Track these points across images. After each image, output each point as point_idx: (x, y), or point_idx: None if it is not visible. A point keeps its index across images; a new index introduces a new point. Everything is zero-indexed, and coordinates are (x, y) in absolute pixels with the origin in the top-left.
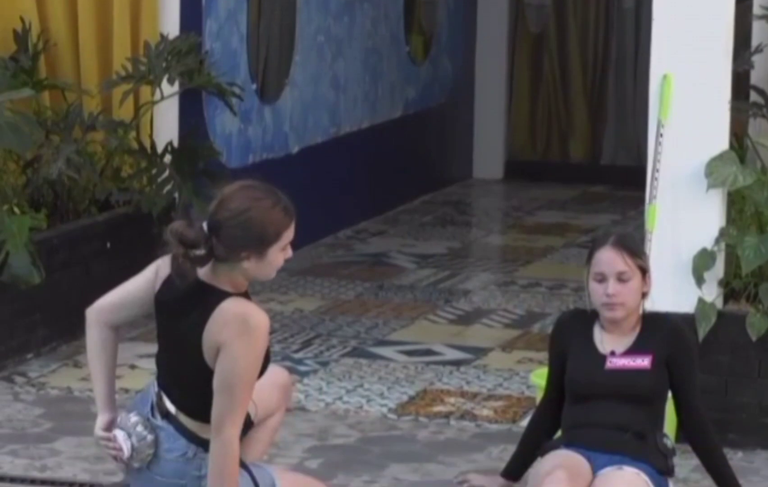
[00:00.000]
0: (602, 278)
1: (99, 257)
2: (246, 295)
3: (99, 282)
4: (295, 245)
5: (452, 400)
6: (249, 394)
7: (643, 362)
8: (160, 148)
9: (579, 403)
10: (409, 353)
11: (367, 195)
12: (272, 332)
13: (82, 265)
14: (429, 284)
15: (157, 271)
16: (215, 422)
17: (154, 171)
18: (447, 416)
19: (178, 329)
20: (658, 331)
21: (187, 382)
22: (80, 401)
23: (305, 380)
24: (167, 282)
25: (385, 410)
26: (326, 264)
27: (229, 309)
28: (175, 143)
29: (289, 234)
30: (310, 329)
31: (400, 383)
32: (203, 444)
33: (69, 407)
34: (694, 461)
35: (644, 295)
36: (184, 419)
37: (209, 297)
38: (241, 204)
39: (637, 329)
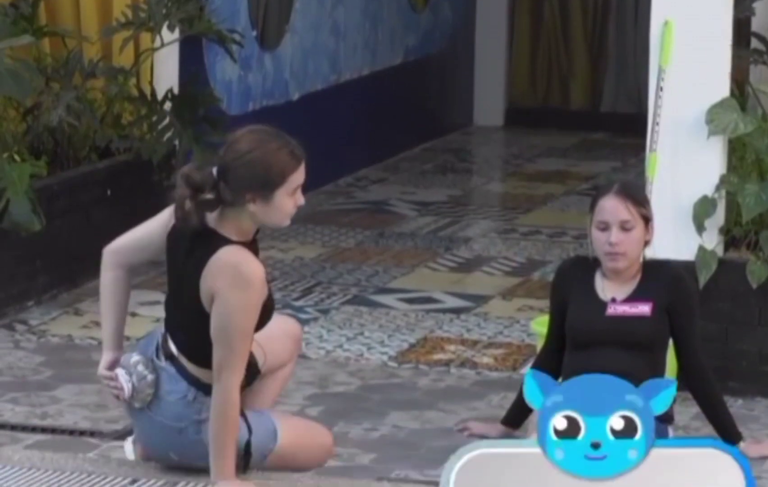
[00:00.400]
0: (605, 227)
1: (99, 204)
2: (253, 244)
3: (99, 229)
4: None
5: (452, 348)
6: (246, 344)
7: (644, 308)
8: (160, 95)
9: (579, 350)
10: (410, 301)
11: (367, 142)
12: (272, 280)
13: (82, 212)
14: (429, 231)
15: (171, 214)
16: (215, 370)
17: (154, 118)
18: (447, 363)
19: (181, 272)
20: (658, 278)
21: (188, 325)
22: (81, 349)
23: (306, 328)
24: (176, 225)
25: (385, 357)
26: (326, 212)
27: (224, 257)
28: (176, 90)
29: (297, 178)
30: (311, 277)
31: (400, 330)
32: (204, 388)
33: (70, 355)
34: (695, 408)
35: (646, 243)
36: (185, 361)
37: (211, 242)
38: (246, 146)
39: (638, 277)
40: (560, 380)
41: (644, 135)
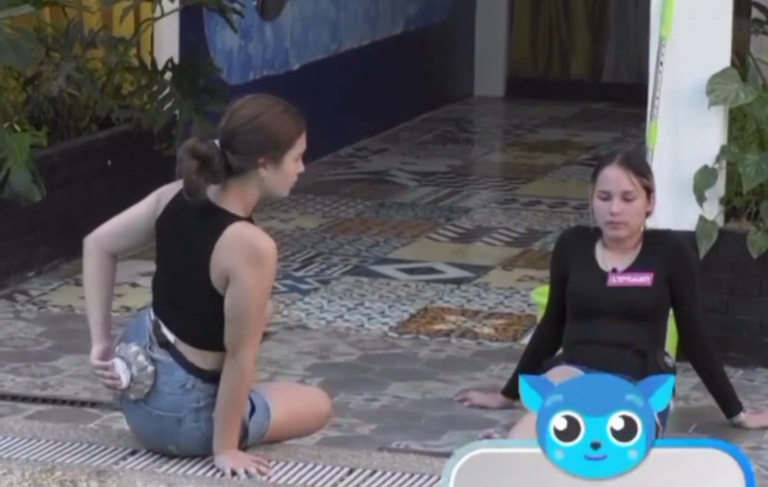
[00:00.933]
0: (607, 196)
1: (99, 174)
2: (251, 219)
3: (99, 200)
4: None
5: (453, 318)
6: (261, 319)
7: (645, 279)
8: (160, 65)
9: (580, 320)
10: (410, 271)
11: (367, 112)
12: None
13: (82, 182)
14: (430, 201)
15: (158, 198)
16: (231, 348)
17: (154, 88)
18: (448, 334)
19: (182, 252)
20: (659, 248)
21: (191, 308)
22: (82, 319)
23: (306, 299)
24: (171, 206)
25: (385, 328)
26: (327, 182)
27: (237, 234)
28: (176, 60)
29: (302, 143)
30: (311, 247)
31: (400, 301)
32: (202, 375)
33: (70, 325)
34: (695, 379)
35: (647, 214)
36: (183, 347)
37: (218, 219)
38: (252, 110)
39: (639, 247)
40: (560, 349)
41: (645, 105)
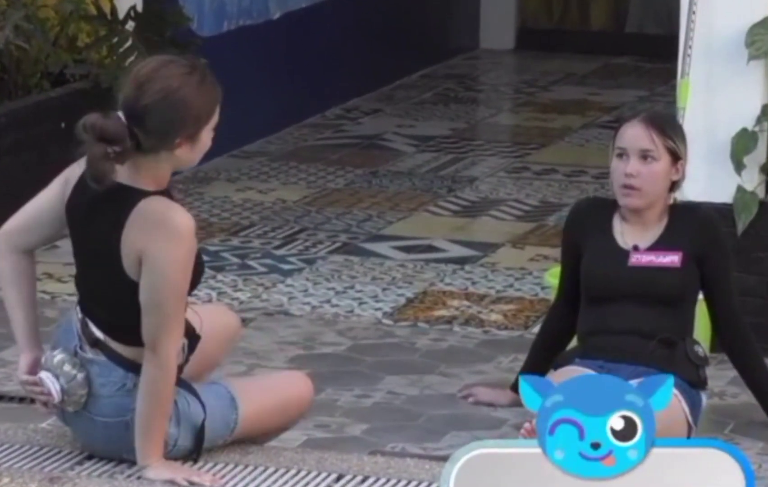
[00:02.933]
0: (623, 154)
1: (53, 138)
2: (168, 192)
3: (53, 167)
4: (277, 125)
5: (456, 303)
6: (182, 305)
7: (673, 258)
8: (121, 14)
9: (596, 305)
10: (407, 250)
11: (358, 68)
12: (251, 226)
13: (33, 148)
14: (430, 170)
15: (66, 180)
16: (149, 341)
17: (114, 40)
18: (450, 321)
19: (93, 239)
20: (687, 224)
21: (111, 301)
22: None
23: (288, 281)
24: (77, 188)
25: (379, 314)
26: (312, 147)
27: (148, 209)
28: (139, 8)
29: (217, 111)
30: (294, 222)
31: (396, 283)
32: (138, 370)
33: None
34: (731, 372)
35: (673, 185)
36: (115, 345)
37: (125, 198)
38: (168, 83)
39: (664, 221)
40: (576, 338)
41: (675, 60)
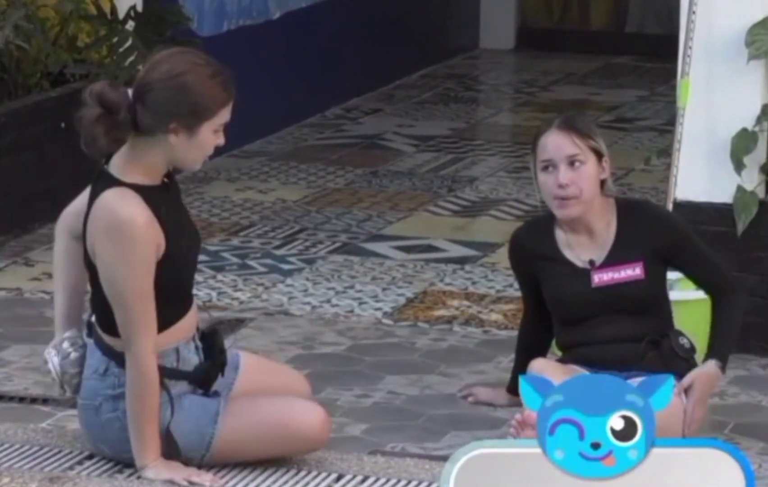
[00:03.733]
0: (551, 166)
1: (53, 138)
2: (167, 186)
3: (52, 167)
4: (277, 125)
5: (456, 303)
6: (143, 301)
7: (633, 271)
8: (121, 14)
9: (572, 325)
10: (407, 250)
11: (359, 68)
12: (251, 225)
13: (33, 147)
14: (429, 169)
15: None
16: (124, 339)
17: (114, 40)
18: (450, 321)
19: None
20: (638, 225)
21: (93, 287)
22: (32, 304)
23: (288, 281)
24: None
25: (379, 314)
26: (312, 147)
27: (101, 203)
28: (139, 8)
29: (225, 114)
30: (294, 222)
31: (396, 283)
32: (117, 358)
33: (19, 311)
34: (731, 372)
35: (603, 183)
36: (99, 330)
37: (99, 185)
38: (176, 66)
39: (612, 227)
40: (557, 351)
41: (675, 59)
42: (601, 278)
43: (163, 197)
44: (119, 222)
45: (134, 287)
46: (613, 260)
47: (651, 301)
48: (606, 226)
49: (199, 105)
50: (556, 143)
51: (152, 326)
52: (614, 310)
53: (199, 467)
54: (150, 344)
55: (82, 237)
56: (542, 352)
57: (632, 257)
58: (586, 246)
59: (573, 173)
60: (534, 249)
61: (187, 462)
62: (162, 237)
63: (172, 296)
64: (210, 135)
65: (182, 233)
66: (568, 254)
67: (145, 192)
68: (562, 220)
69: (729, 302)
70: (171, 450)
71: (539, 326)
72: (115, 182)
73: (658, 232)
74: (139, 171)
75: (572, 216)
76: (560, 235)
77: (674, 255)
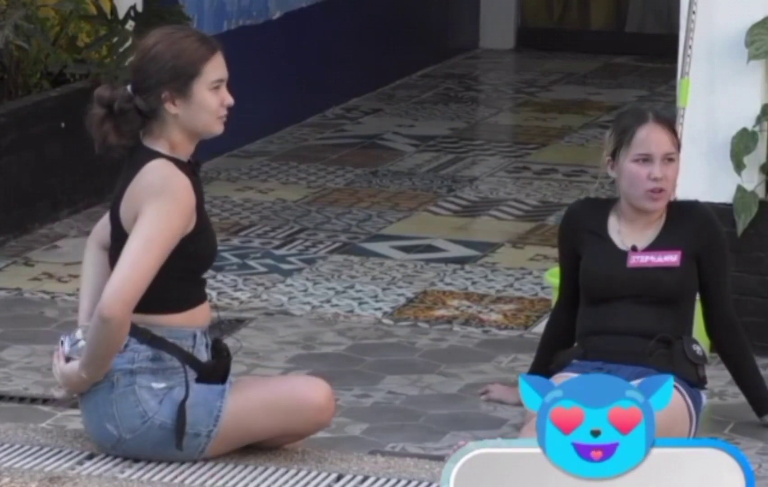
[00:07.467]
0: (648, 159)
1: (53, 138)
2: (193, 169)
3: (52, 167)
4: (277, 125)
5: (456, 303)
6: (150, 256)
7: (672, 257)
8: (121, 14)
9: (596, 306)
10: (407, 249)
11: (359, 68)
12: (251, 225)
13: (33, 147)
14: (430, 169)
15: None
16: (113, 281)
17: (114, 39)
18: (450, 321)
19: (114, 198)
20: (686, 221)
21: (114, 264)
22: (32, 304)
23: (288, 280)
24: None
25: (379, 314)
26: (312, 147)
27: (152, 167)
28: (139, 7)
29: (214, 69)
30: (294, 222)
31: (396, 283)
32: (136, 334)
33: (19, 311)
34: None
35: None
36: None
37: (139, 158)
38: (148, 41)
39: (662, 220)
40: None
41: (675, 59)
42: (638, 260)
43: (195, 179)
44: (169, 180)
45: (152, 239)
46: (654, 246)
47: (678, 294)
48: (659, 219)
49: (178, 66)
50: (656, 139)
51: (141, 279)
52: (641, 296)
53: (206, 443)
54: (130, 295)
55: (114, 218)
56: (564, 347)
57: (673, 245)
58: (635, 233)
59: (666, 169)
60: (584, 221)
61: (194, 437)
62: (194, 209)
63: (195, 273)
64: (207, 94)
65: (207, 217)
66: (614, 236)
67: (181, 166)
68: (651, 211)
69: (742, 354)
70: (178, 428)
71: (570, 320)
72: (156, 155)
73: (701, 227)
74: (164, 145)
75: (659, 208)
76: (613, 220)
77: (705, 256)
